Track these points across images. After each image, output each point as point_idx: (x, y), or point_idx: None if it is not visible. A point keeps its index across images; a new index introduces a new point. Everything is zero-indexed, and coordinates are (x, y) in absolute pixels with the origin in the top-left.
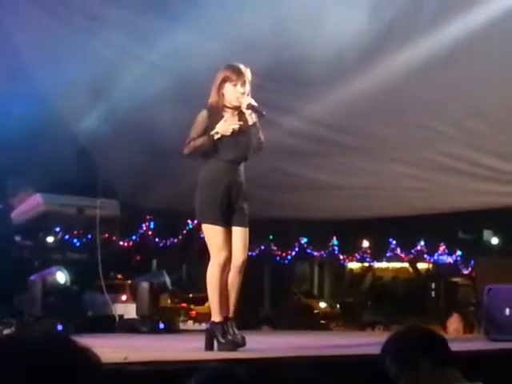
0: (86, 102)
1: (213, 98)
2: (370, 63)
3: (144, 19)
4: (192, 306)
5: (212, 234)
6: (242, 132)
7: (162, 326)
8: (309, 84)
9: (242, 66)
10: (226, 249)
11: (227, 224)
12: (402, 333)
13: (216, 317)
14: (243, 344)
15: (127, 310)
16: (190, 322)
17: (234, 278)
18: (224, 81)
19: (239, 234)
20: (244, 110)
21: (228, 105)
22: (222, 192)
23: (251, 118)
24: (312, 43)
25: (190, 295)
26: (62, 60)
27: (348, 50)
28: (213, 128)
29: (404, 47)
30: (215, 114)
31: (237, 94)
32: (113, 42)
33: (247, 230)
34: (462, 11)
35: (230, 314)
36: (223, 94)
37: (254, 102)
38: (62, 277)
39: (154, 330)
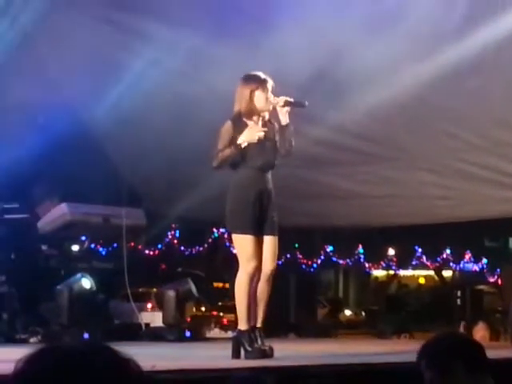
0: (113, 112)
1: (241, 107)
2: (396, 72)
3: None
4: (221, 314)
5: (243, 243)
6: (269, 139)
7: (188, 334)
8: (335, 93)
9: (262, 74)
10: (255, 258)
11: (258, 233)
12: (438, 338)
13: (243, 325)
14: (271, 355)
15: (153, 318)
16: (217, 330)
17: (263, 288)
18: (254, 90)
19: (269, 242)
20: (278, 109)
21: (258, 112)
22: (252, 200)
23: (285, 117)
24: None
25: (220, 303)
26: (90, 72)
27: (375, 60)
28: (238, 138)
29: (431, 56)
30: (240, 124)
31: (267, 99)
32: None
33: (277, 238)
34: (489, 20)
35: (258, 324)
36: (254, 103)
37: (289, 99)
38: (87, 283)
39: (181, 339)
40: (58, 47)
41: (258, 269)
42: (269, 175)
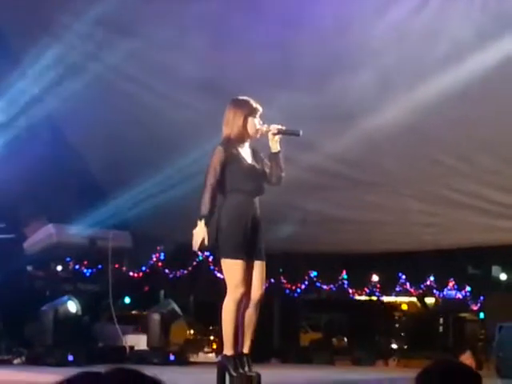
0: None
1: (232, 132)
2: (383, 100)
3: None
4: (211, 338)
5: (232, 268)
6: (258, 163)
7: (172, 357)
8: (322, 119)
9: (252, 101)
10: (244, 284)
11: (247, 258)
12: (436, 366)
13: (228, 350)
14: (258, 382)
15: (138, 341)
16: (201, 354)
17: (251, 314)
18: (247, 115)
19: (258, 268)
20: (270, 137)
21: (249, 137)
22: (243, 226)
23: (276, 145)
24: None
25: (211, 327)
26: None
27: (362, 89)
28: (230, 161)
29: (418, 84)
30: (230, 149)
31: (257, 126)
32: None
33: (264, 263)
34: (475, 50)
35: (246, 350)
36: (246, 128)
37: (281, 128)
38: (73, 306)
39: (165, 362)
40: None
41: (246, 294)
42: (257, 200)
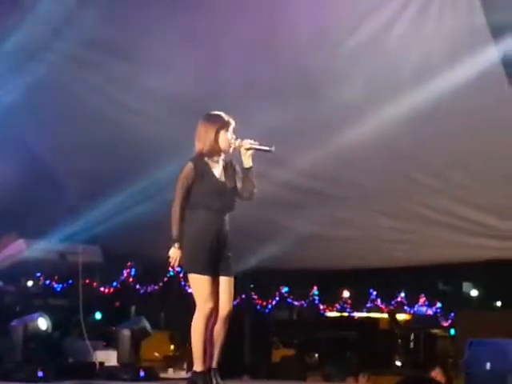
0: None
1: (204, 147)
2: (357, 117)
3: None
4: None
5: (199, 284)
6: (229, 181)
7: (142, 373)
8: (295, 135)
9: (225, 115)
10: (212, 299)
11: (214, 274)
12: (406, 382)
13: (198, 366)
14: None
15: (108, 357)
16: (171, 370)
17: (219, 329)
18: (219, 129)
19: (225, 283)
20: (242, 152)
21: (220, 152)
22: (209, 242)
23: (249, 160)
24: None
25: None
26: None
27: (336, 105)
28: (199, 177)
29: (389, 102)
30: (201, 164)
31: (229, 140)
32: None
33: (232, 279)
34: (446, 67)
35: (214, 365)
36: (218, 142)
37: (254, 143)
38: (43, 323)
39: (135, 378)
40: None
41: (215, 310)
42: (226, 217)
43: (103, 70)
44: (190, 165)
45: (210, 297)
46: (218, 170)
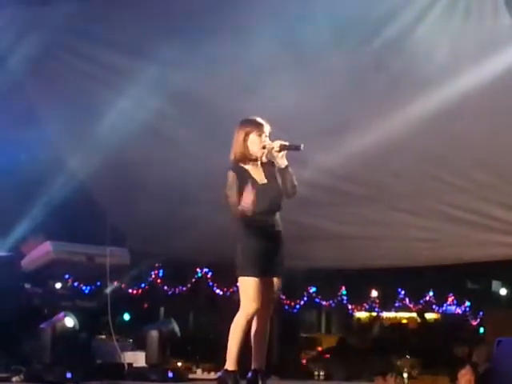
0: (95, 151)
1: (235, 152)
2: (380, 116)
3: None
4: None
5: (248, 285)
6: (271, 181)
7: (170, 374)
8: (320, 134)
9: (259, 119)
10: (258, 301)
11: (264, 275)
12: None
13: (231, 365)
14: None
15: (136, 358)
16: (199, 371)
17: (265, 329)
18: (248, 133)
19: (275, 284)
20: (275, 154)
21: (253, 156)
22: (261, 244)
23: (283, 161)
24: None
25: None
26: (73, 109)
27: (358, 102)
28: (241, 183)
29: (414, 99)
30: (240, 171)
31: (261, 144)
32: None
33: (280, 279)
34: (472, 66)
35: (257, 366)
36: (248, 147)
37: (284, 143)
38: (70, 321)
39: (163, 379)
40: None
41: (258, 311)
42: (276, 216)
43: None
44: (230, 173)
45: (256, 298)
46: (258, 174)
